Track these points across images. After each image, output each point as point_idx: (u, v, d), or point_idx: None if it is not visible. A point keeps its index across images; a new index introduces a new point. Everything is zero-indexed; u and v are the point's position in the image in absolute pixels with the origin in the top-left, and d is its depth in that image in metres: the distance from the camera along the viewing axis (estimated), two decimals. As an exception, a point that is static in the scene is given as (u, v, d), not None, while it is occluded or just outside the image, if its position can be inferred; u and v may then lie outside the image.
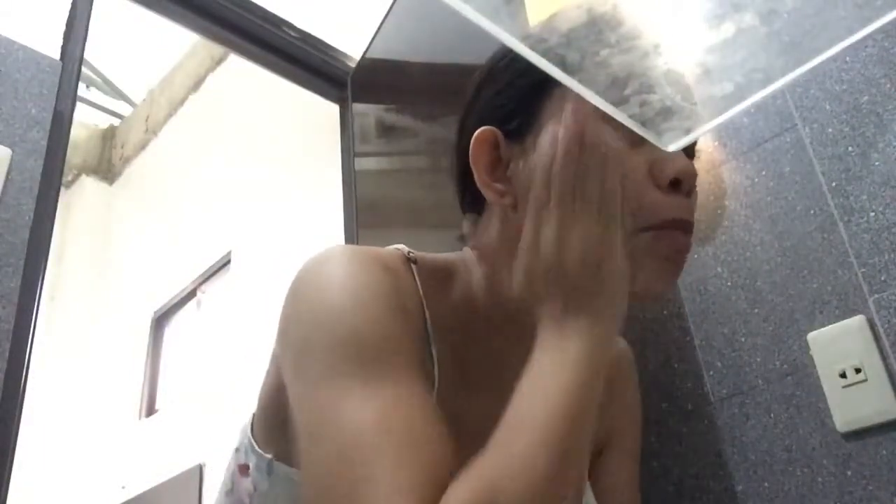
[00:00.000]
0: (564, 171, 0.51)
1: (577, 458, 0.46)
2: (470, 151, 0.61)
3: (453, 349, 0.63)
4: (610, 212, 0.51)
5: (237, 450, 0.68)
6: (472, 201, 0.66)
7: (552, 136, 0.54)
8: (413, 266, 0.63)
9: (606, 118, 0.53)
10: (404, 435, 0.45)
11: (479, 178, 0.61)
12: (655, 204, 0.55)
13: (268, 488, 0.63)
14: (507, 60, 0.62)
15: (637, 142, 0.54)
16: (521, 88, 0.60)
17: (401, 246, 0.66)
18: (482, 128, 0.61)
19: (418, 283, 0.62)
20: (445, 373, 0.61)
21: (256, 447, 0.65)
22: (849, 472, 0.84)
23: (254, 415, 0.67)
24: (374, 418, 0.46)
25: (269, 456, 0.63)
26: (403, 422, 0.46)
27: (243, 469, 0.66)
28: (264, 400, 0.65)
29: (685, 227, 0.57)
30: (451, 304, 0.63)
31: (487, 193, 0.61)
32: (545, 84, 0.58)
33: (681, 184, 0.56)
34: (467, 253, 0.66)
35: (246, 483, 0.65)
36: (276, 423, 0.60)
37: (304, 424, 0.51)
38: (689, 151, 0.60)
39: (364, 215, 1.69)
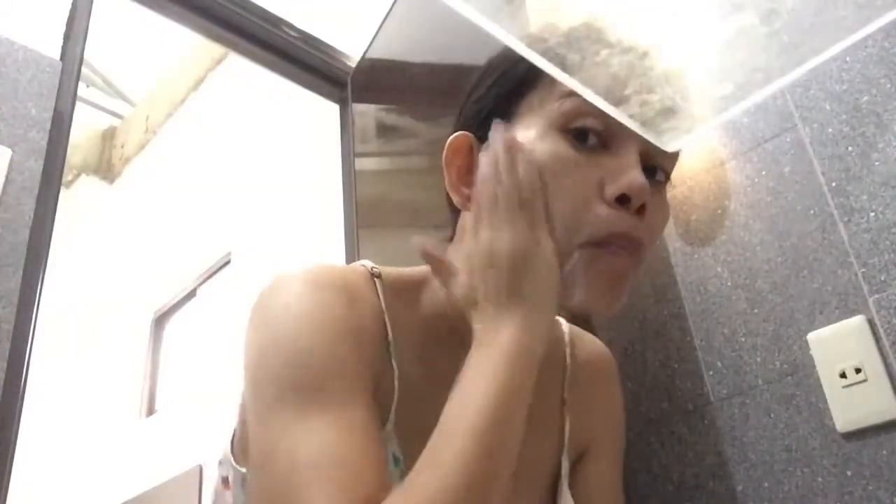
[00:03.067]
0: (490, 181, 0.55)
1: (508, 453, 0.49)
2: (443, 154, 0.63)
3: (422, 358, 0.64)
4: (534, 212, 0.54)
5: (220, 462, 0.69)
6: (450, 205, 0.67)
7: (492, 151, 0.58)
8: (377, 281, 0.64)
9: (562, 131, 0.57)
10: (336, 468, 0.47)
11: (449, 181, 0.63)
12: (598, 218, 0.55)
13: (244, 502, 0.64)
14: (491, 69, 0.64)
15: (593, 153, 0.56)
16: (496, 97, 0.63)
17: (366, 262, 0.67)
18: (456, 133, 0.64)
19: (381, 298, 0.63)
20: (411, 384, 0.62)
21: (233, 461, 0.66)
22: (849, 472, 0.84)
23: (234, 428, 0.68)
24: (307, 452, 0.48)
25: (243, 470, 0.64)
26: (336, 454, 0.48)
27: (225, 481, 0.67)
28: (240, 415, 0.66)
29: (628, 243, 0.56)
30: (418, 315, 0.65)
31: (454, 196, 0.63)
32: (518, 92, 0.61)
33: (629, 200, 0.55)
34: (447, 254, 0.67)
35: (227, 496, 0.66)
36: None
37: (253, 455, 0.55)
38: (653, 170, 0.59)
39: (364, 215, 1.69)
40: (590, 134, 0.56)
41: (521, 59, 0.60)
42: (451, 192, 0.63)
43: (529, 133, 0.58)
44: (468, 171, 0.63)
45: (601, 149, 0.56)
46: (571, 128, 0.56)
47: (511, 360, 0.50)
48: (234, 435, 0.68)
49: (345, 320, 0.57)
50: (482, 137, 0.62)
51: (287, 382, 0.53)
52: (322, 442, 0.48)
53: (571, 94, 0.56)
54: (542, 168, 0.56)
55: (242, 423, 0.66)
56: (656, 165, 0.59)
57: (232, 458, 0.66)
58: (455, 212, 0.67)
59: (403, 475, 0.58)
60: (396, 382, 0.61)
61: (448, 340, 0.64)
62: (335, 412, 0.50)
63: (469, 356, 0.52)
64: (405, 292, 0.65)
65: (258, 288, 0.63)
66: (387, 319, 0.62)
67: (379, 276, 0.65)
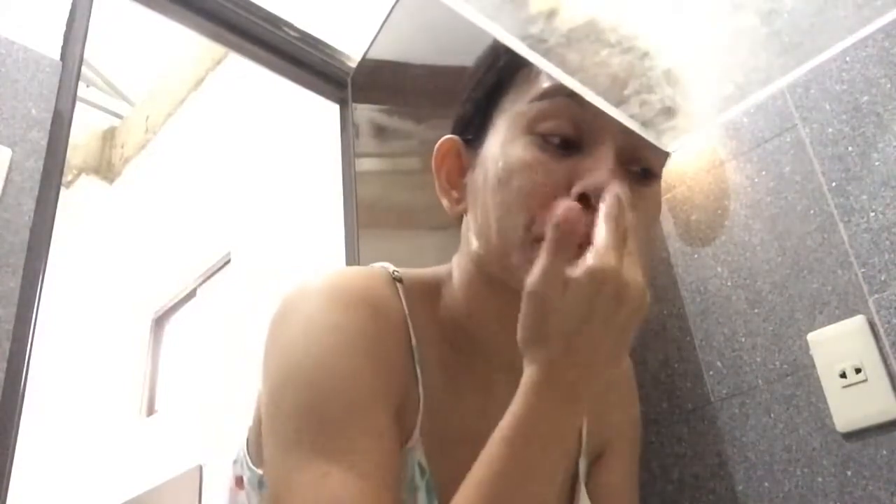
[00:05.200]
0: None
1: None
2: (432, 160, 0.64)
3: (442, 361, 0.63)
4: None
5: (235, 461, 0.69)
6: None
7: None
8: (399, 285, 0.63)
9: (531, 134, 0.56)
10: None
11: (438, 185, 0.64)
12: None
13: (259, 503, 0.63)
14: (472, 73, 0.64)
15: (562, 155, 0.55)
16: (477, 100, 0.63)
17: (386, 264, 0.66)
18: (444, 137, 0.64)
19: (404, 302, 0.62)
20: (434, 391, 0.61)
21: (249, 462, 0.65)
22: (849, 472, 0.84)
23: (250, 428, 0.67)
24: (318, 501, 0.48)
25: (260, 472, 0.64)
26: None
27: (239, 481, 0.67)
28: (256, 415, 0.65)
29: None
30: (437, 317, 0.64)
31: (444, 201, 0.64)
32: (494, 95, 0.60)
33: (589, 199, 0.53)
34: (452, 262, 0.68)
35: (241, 497, 0.66)
36: None
37: (269, 489, 0.53)
38: (638, 167, 0.57)
39: (364, 215, 1.69)
40: (561, 137, 0.55)
41: (495, 63, 0.60)
42: (441, 195, 0.63)
43: (500, 139, 0.58)
44: (457, 174, 0.63)
45: (573, 150, 0.55)
46: (541, 131, 0.55)
47: (547, 433, 0.48)
48: (248, 434, 0.67)
49: (368, 341, 0.55)
50: (468, 141, 0.63)
51: (304, 422, 0.51)
52: (334, 491, 0.48)
53: (541, 97, 0.56)
54: (511, 172, 0.55)
55: (258, 423, 0.64)
56: (642, 162, 0.57)
57: (248, 459, 0.65)
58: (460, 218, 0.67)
59: (429, 485, 0.57)
60: (421, 390, 0.60)
61: (464, 346, 0.64)
62: (351, 457, 0.49)
63: (518, 398, 0.49)
64: (425, 296, 0.64)
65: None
66: (410, 326, 0.61)
67: (400, 280, 0.64)
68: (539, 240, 0.52)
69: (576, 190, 0.53)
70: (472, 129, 0.62)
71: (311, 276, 0.60)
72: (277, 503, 0.50)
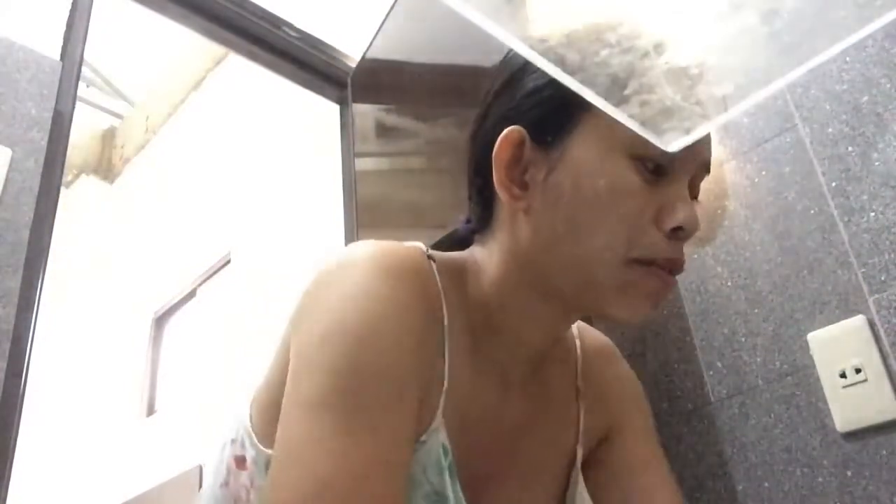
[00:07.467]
0: None
1: None
2: (495, 147, 0.61)
3: (465, 345, 0.63)
4: None
5: (233, 441, 0.66)
6: (480, 193, 0.66)
7: None
8: (433, 265, 0.63)
9: (626, 156, 0.57)
10: (352, 497, 0.46)
11: (499, 177, 0.61)
12: (652, 243, 0.57)
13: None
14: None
15: (653, 181, 0.57)
16: (558, 98, 0.59)
17: (419, 244, 0.65)
18: (513, 127, 0.60)
19: (439, 282, 0.62)
20: (458, 373, 0.61)
21: (256, 441, 0.63)
22: (849, 472, 0.84)
23: (251, 405, 0.66)
24: (332, 470, 0.46)
25: (269, 451, 0.61)
26: (359, 484, 0.46)
27: (240, 461, 0.64)
28: (271, 389, 0.63)
29: (674, 267, 0.59)
30: (464, 302, 0.64)
31: (503, 194, 0.61)
32: (583, 102, 0.58)
33: (682, 231, 0.58)
34: (475, 250, 0.67)
35: (243, 477, 0.64)
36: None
37: (278, 441, 0.51)
38: (695, 191, 0.63)
39: (364, 215, 1.69)
40: (657, 164, 0.57)
41: None
42: (500, 189, 0.61)
43: (594, 150, 0.58)
44: (515, 167, 0.60)
45: (660, 177, 0.58)
46: (635, 154, 0.57)
47: None
48: (251, 412, 0.65)
49: (411, 315, 0.55)
50: (539, 139, 0.60)
51: (335, 384, 0.50)
52: (349, 464, 0.47)
53: None
54: (614, 194, 0.57)
55: (270, 399, 0.62)
56: (696, 185, 0.62)
57: (254, 437, 0.63)
58: (479, 202, 0.66)
59: (451, 467, 0.58)
60: (447, 371, 0.60)
61: (487, 334, 0.64)
62: (376, 434, 0.49)
63: None
64: (454, 278, 0.64)
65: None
66: (444, 305, 0.61)
67: (434, 259, 0.63)
68: (631, 262, 0.57)
69: (671, 224, 0.57)
70: (547, 128, 0.60)
71: (350, 246, 0.60)
72: (287, 457, 0.49)
